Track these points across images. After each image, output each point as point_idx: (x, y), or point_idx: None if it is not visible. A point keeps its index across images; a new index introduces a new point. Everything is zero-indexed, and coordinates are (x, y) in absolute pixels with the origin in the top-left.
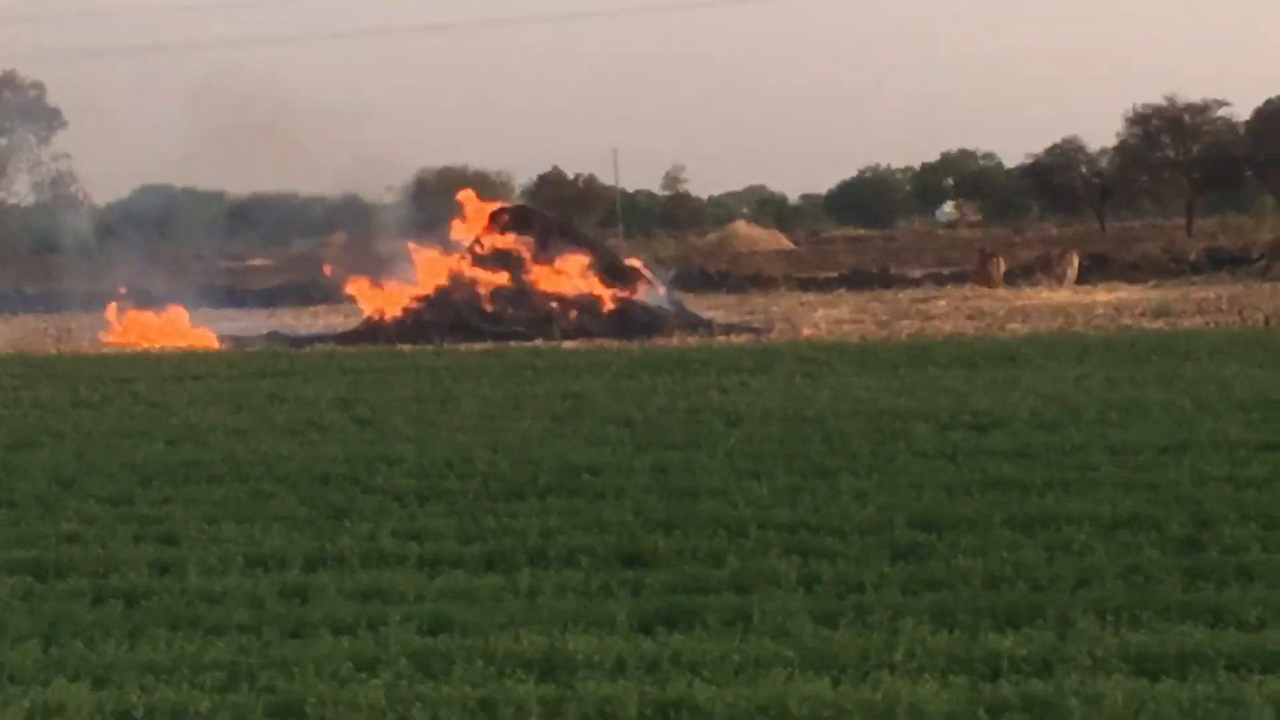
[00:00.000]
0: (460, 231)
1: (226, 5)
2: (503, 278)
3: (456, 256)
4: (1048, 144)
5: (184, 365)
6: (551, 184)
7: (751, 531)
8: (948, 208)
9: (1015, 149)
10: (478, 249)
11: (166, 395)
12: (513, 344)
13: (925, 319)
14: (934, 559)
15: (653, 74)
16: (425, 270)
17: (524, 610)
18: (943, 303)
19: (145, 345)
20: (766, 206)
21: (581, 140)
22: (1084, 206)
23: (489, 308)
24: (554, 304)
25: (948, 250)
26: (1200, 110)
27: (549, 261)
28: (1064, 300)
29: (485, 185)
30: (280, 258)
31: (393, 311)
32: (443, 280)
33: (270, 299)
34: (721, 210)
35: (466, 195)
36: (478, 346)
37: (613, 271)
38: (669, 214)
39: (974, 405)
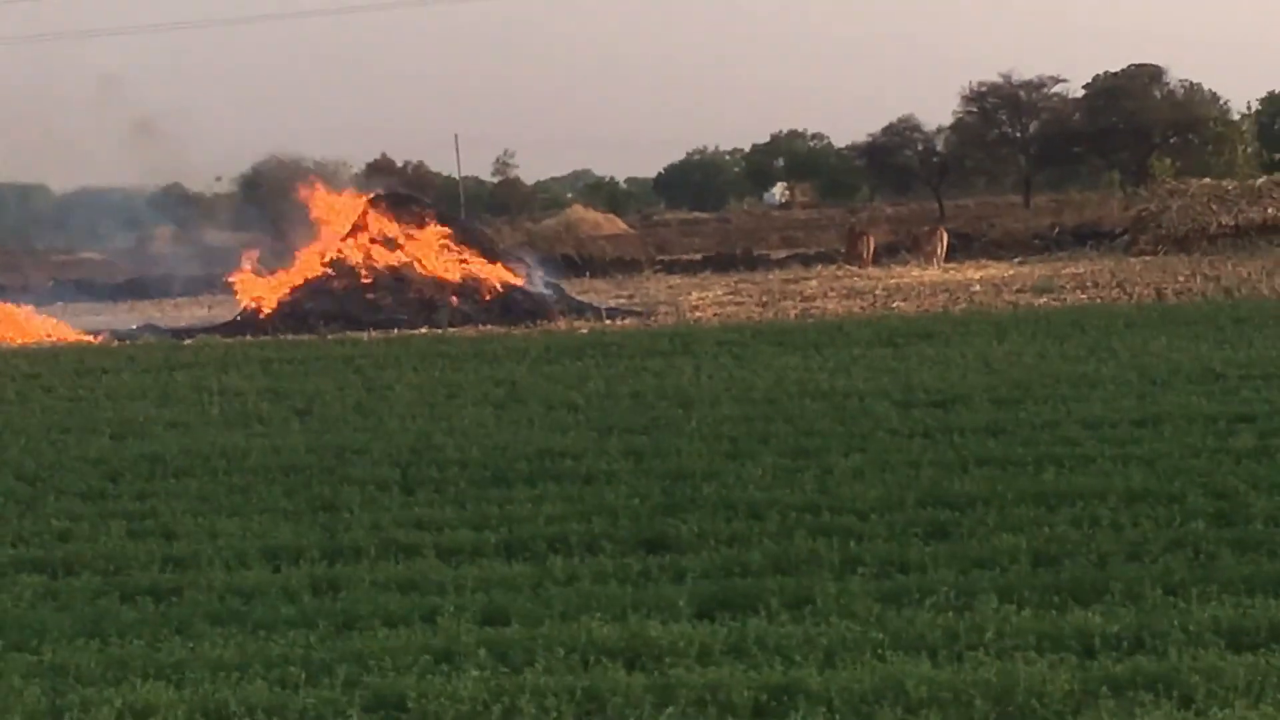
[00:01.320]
0: (325, 219)
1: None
2: (382, 265)
3: (331, 244)
4: (881, 124)
5: (87, 358)
6: (382, 171)
7: (770, 514)
8: (777, 189)
9: (845, 130)
10: (355, 236)
11: (84, 389)
12: (396, 332)
13: (804, 299)
14: (972, 538)
15: (471, 59)
16: (302, 260)
17: (575, 598)
18: (814, 283)
19: (8, 339)
20: (595, 191)
21: (407, 128)
22: (920, 185)
23: (370, 296)
24: (437, 291)
25: (788, 230)
26: (1036, 87)
27: (428, 249)
28: (936, 278)
29: (322, 174)
30: (109, 252)
31: (271, 301)
32: (320, 269)
33: (118, 293)
34: (547, 195)
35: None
36: (366, 335)
37: (491, 257)
38: (499, 199)
39: (922, 382)
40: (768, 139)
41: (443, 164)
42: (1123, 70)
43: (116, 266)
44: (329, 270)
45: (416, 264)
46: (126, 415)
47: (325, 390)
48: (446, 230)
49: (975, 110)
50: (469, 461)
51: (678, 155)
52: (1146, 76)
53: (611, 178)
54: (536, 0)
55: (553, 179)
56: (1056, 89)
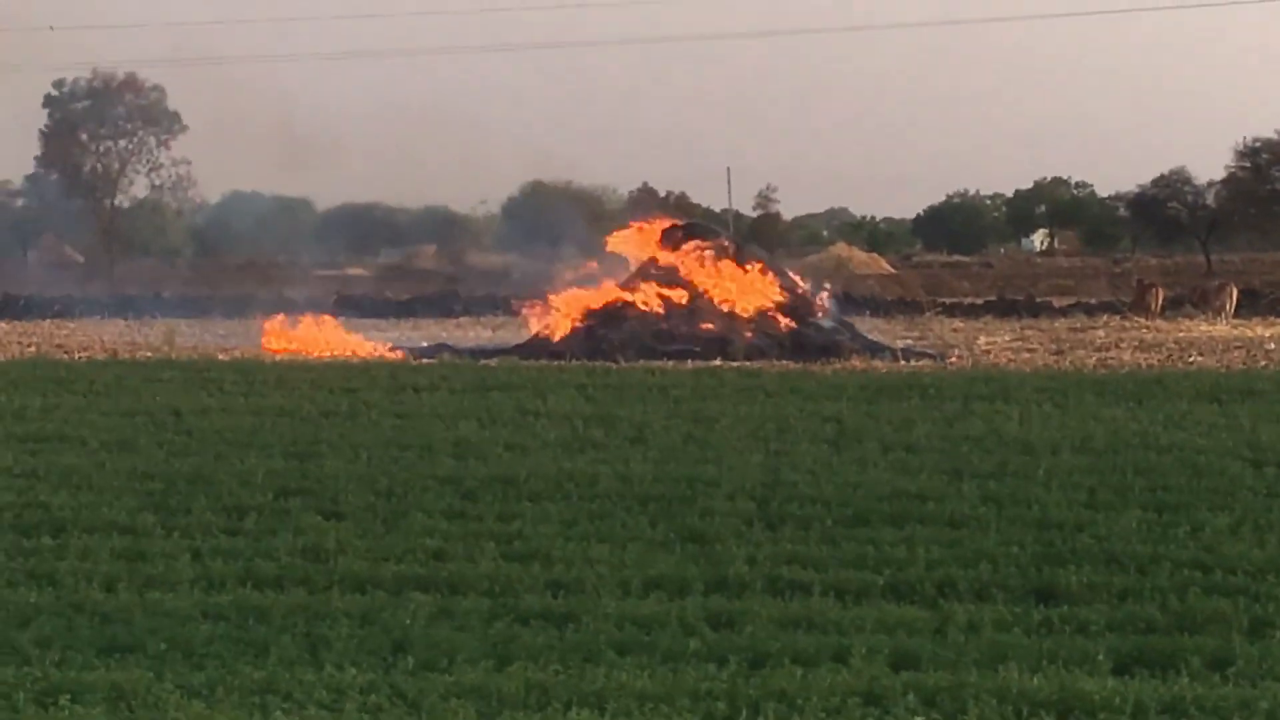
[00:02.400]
0: (625, 247)
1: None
2: (678, 295)
3: (629, 273)
4: (1146, 174)
5: (399, 375)
6: (644, 202)
7: (1156, 569)
8: (1038, 236)
9: (1109, 179)
10: (651, 267)
11: (404, 406)
12: (691, 363)
13: (1096, 349)
14: None
15: (734, 97)
16: (599, 287)
17: (985, 646)
18: (1101, 333)
19: (311, 353)
20: (854, 229)
21: (668, 159)
22: (1187, 237)
23: (664, 326)
24: (730, 324)
25: (1052, 278)
26: None
27: (723, 280)
28: (1226, 334)
29: (586, 200)
30: (370, 267)
31: (563, 327)
32: (617, 296)
33: (399, 310)
34: (805, 231)
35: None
36: (659, 365)
37: (788, 292)
38: (758, 233)
39: (1270, 441)
40: (1030, 185)
41: (702, 195)
42: None
43: (385, 283)
44: (624, 298)
45: (710, 296)
46: (461, 435)
47: (652, 419)
48: (744, 263)
49: (1248, 165)
50: (826, 499)
51: (937, 197)
52: None
53: (871, 216)
54: (796, 39)
55: (810, 215)
56: None
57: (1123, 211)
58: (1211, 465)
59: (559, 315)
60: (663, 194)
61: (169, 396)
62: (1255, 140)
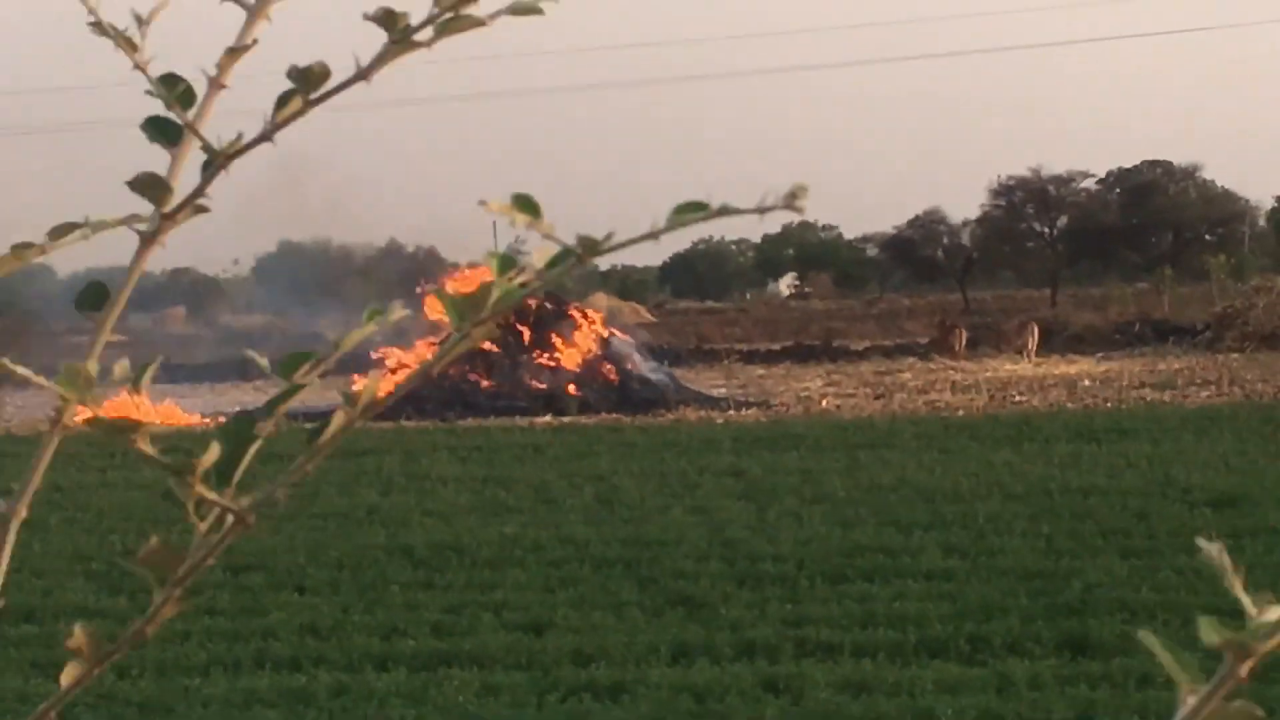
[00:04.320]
0: (435, 307)
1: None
2: (501, 351)
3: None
4: (891, 216)
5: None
6: (394, 256)
7: (1177, 614)
8: (785, 280)
9: (856, 222)
10: None
11: (321, 475)
12: (522, 420)
13: (917, 392)
14: None
15: (468, 151)
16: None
17: (1054, 701)
18: (907, 375)
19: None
20: (600, 279)
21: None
22: (945, 277)
23: (485, 383)
24: (553, 379)
25: (812, 321)
26: (1065, 181)
27: (543, 335)
28: (1031, 372)
29: (338, 257)
30: (124, 332)
31: (385, 386)
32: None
33: (192, 376)
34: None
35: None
36: (503, 422)
37: (610, 345)
38: None
39: (1190, 481)
40: (778, 229)
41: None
42: (1149, 164)
43: (146, 348)
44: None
45: (531, 352)
46: (368, 501)
47: (547, 478)
48: (561, 318)
49: (1002, 204)
50: (786, 556)
51: (683, 245)
52: (1179, 172)
53: (619, 265)
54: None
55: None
56: (1085, 184)
57: (873, 252)
58: (1152, 507)
59: (376, 375)
60: (410, 249)
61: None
62: (1009, 179)
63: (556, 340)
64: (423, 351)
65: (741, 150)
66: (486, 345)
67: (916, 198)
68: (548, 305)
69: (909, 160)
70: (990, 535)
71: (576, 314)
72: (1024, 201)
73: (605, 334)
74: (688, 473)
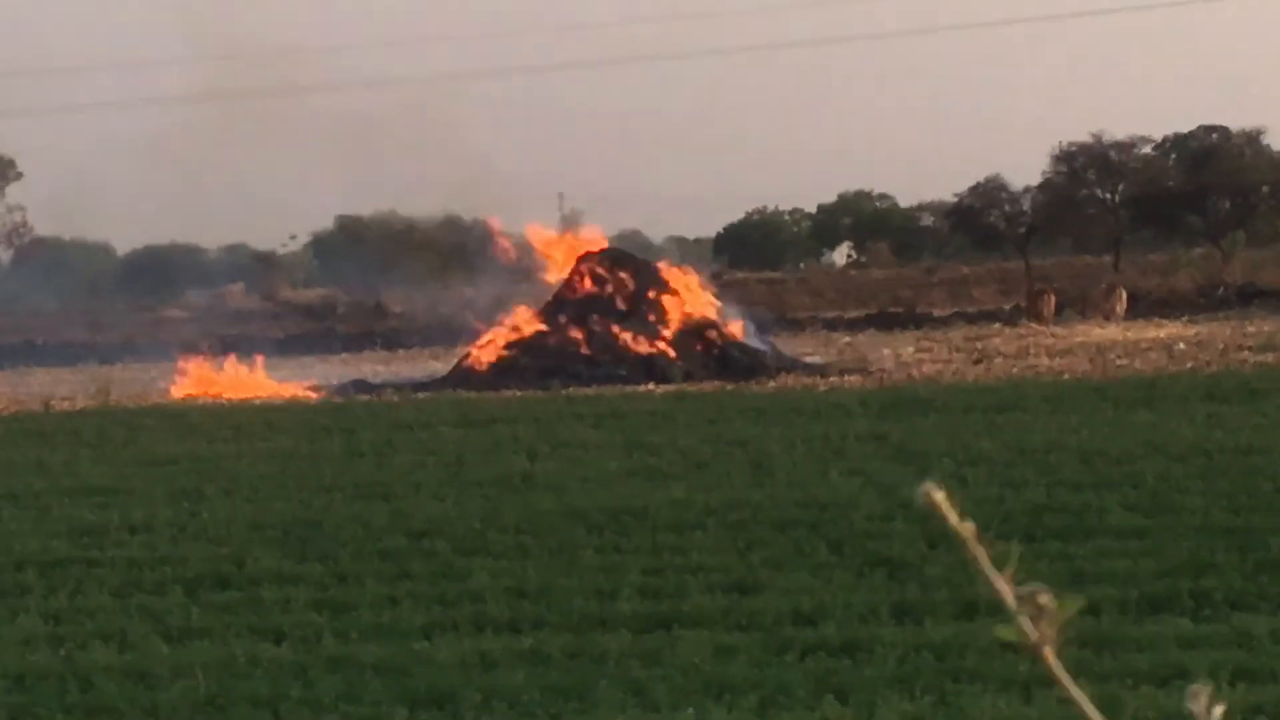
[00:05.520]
0: (547, 273)
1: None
2: (599, 320)
3: (547, 300)
4: (945, 185)
5: (382, 415)
6: (449, 228)
7: None
8: (840, 250)
9: (913, 190)
10: (569, 292)
11: (428, 443)
12: (625, 388)
13: (1011, 358)
14: None
15: (523, 122)
16: (517, 314)
17: None
18: (997, 340)
19: (234, 396)
20: (658, 252)
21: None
22: (1005, 245)
23: (587, 352)
24: (654, 347)
25: (872, 290)
26: (1126, 147)
27: (643, 303)
28: (1121, 336)
29: (399, 230)
30: (185, 308)
31: (486, 356)
32: (537, 324)
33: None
34: None
35: (544, 235)
36: (620, 390)
37: (708, 313)
38: None
39: None
40: (834, 199)
41: (510, 221)
42: (1205, 129)
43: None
44: (544, 326)
45: (634, 320)
46: (523, 469)
47: (685, 442)
48: (662, 287)
49: (1064, 170)
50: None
51: (736, 215)
52: (1238, 137)
53: (681, 237)
54: (592, 69)
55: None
56: (1147, 149)
57: (928, 220)
58: None
59: (481, 346)
60: (468, 220)
61: (173, 445)
62: (1071, 145)
63: (659, 308)
64: (520, 323)
65: (800, 121)
66: (593, 316)
67: (973, 166)
68: (648, 274)
69: (965, 128)
70: (1167, 494)
71: (676, 283)
72: (1085, 167)
73: (705, 303)
74: (830, 437)
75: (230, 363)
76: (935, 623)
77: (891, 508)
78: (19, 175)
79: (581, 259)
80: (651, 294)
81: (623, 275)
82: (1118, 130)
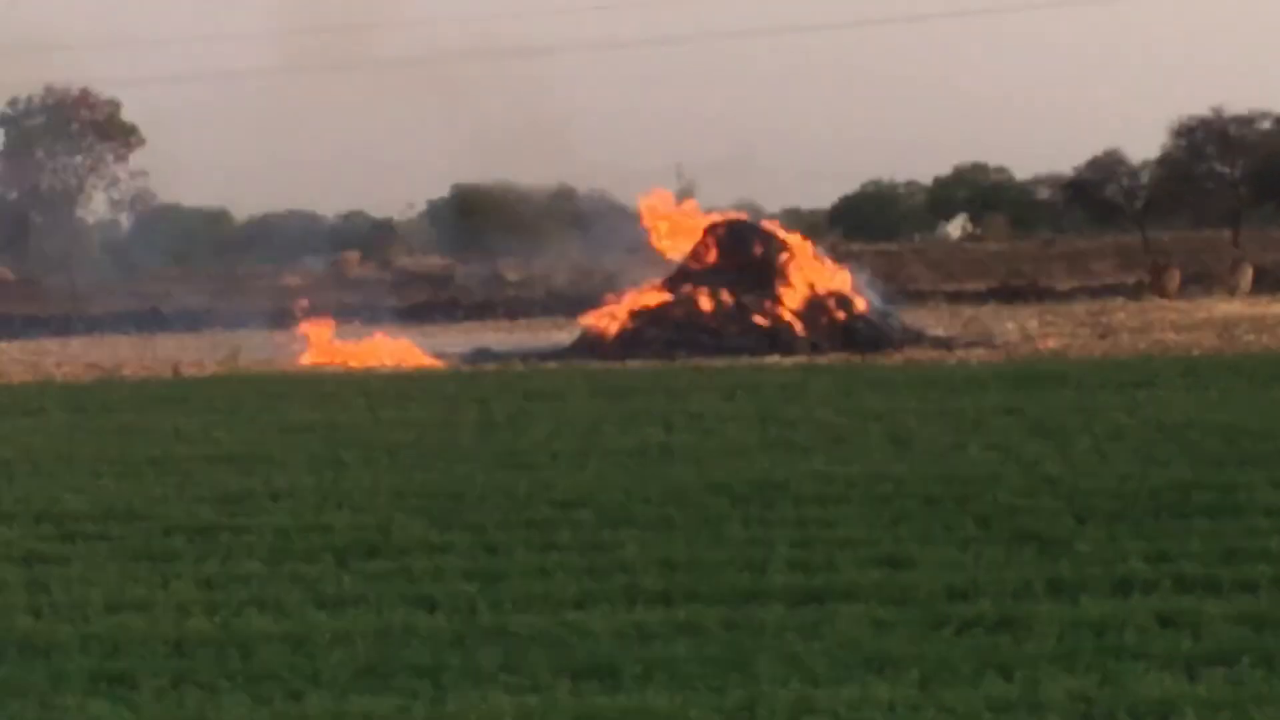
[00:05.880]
0: (665, 244)
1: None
2: (725, 291)
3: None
4: (1058, 158)
5: (513, 383)
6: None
7: None
8: (956, 222)
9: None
10: (695, 263)
11: (564, 412)
12: (746, 359)
13: (1136, 331)
14: None
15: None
16: (639, 286)
17: None
18: (1121, 314)
19: (359, 364)
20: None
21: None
22: (1122, 219)
23: (712, 322)
24: (778, 319)
25: (987, 263)
26: (1246, 121)
27: (768, 274)
28: (1249, 311)
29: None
30: (303, 275)
31: (612, 327)
32: (662, 295)
33: (408, 317)
34: None
35: (663, 208)
36: (718, 362)
37: (833, 285)
38: None
39: None
40: (950, 171)
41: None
42: None
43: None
44: (670, 297)
45: (759, 291)
46: (660, 440)
47: (821, 415)
48: (786, 258)
49: (1183, 144)
50: (1109, 492)
51: (851, 187)
52: None
53: (795, 208)
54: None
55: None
56: (1267, 124)
57: (1044, 194)
58: None
59: (605, 316)
60: (583, 190)
61: (307, 412)
62: (1190, 119)
63: (785, 279)
64: (645, 293)
65: (917, 96)
66: (715, 288)
67: (1090, 139)
68: (773, 245)
69: (1083, 102)
70: None
71: (801, 254)
72: (1204, 142)
73: (829, 275)
74: (965, 410)
75: (355, 330)
76: (1091, 599)
77: (1035, 483)
78: (142, 142)
79: (708, 230)
80: (777, 265)
81: (748, 246)
82: (1237, 104)
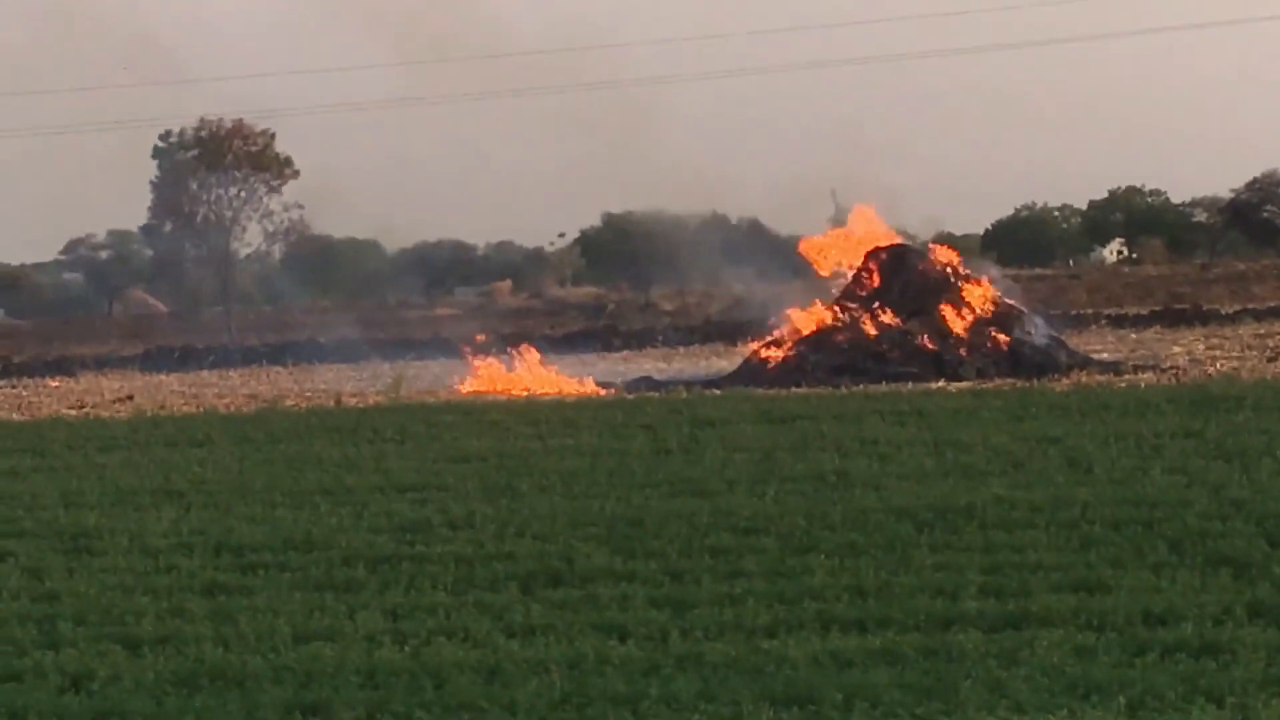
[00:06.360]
0: (826, 269)
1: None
2: (888, 317)
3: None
4: (1215, 181)
5: (682, 410)
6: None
7: None
8: (1111, 246)
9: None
10: (857, 288)
11: (739, 439)
12: (910, 385)
13: None
14: None
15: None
16: (800, 312)
17: None
18: None
19: (520, 392)
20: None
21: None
22: None
23: (877, 349)
24: (943, 344)
25: (1146, 286)
26: None
27: (932, 300)
28: None
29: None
30: (456, 305)
31: (775, 354)
32: (824, 320)
33: (562, 345)
34: None
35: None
36: (884, 388)
37: (998, 309)
38: None
39: None
40: (1104, 194)
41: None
42: None
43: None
44: (833, 323)
45: (924, 317)
46: (836, 466)
47: (997, 440)
48: (948, 281)
49: None
50: None
51: (1005, 211)
52: None
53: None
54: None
55: None
56: None
57: (1200, 216)
58: None
59: (767, 343)
60: (734, 220)
61: (476, 441)
62: None
63: (948, 306)
64: (807, 320)
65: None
66: (881, 313)
67: (1247, 161)
68: (935, 270)
69: (1239, 123)
70: None
71: (962, 278)
72: None
73: (994, 299)
74: (1143, 434)
75: (518, 359)
76: None
77: (1223, 507)
78: (296, 173)
79: (870, 254)
80: (941, 290)
81: (912, 271)
82: None
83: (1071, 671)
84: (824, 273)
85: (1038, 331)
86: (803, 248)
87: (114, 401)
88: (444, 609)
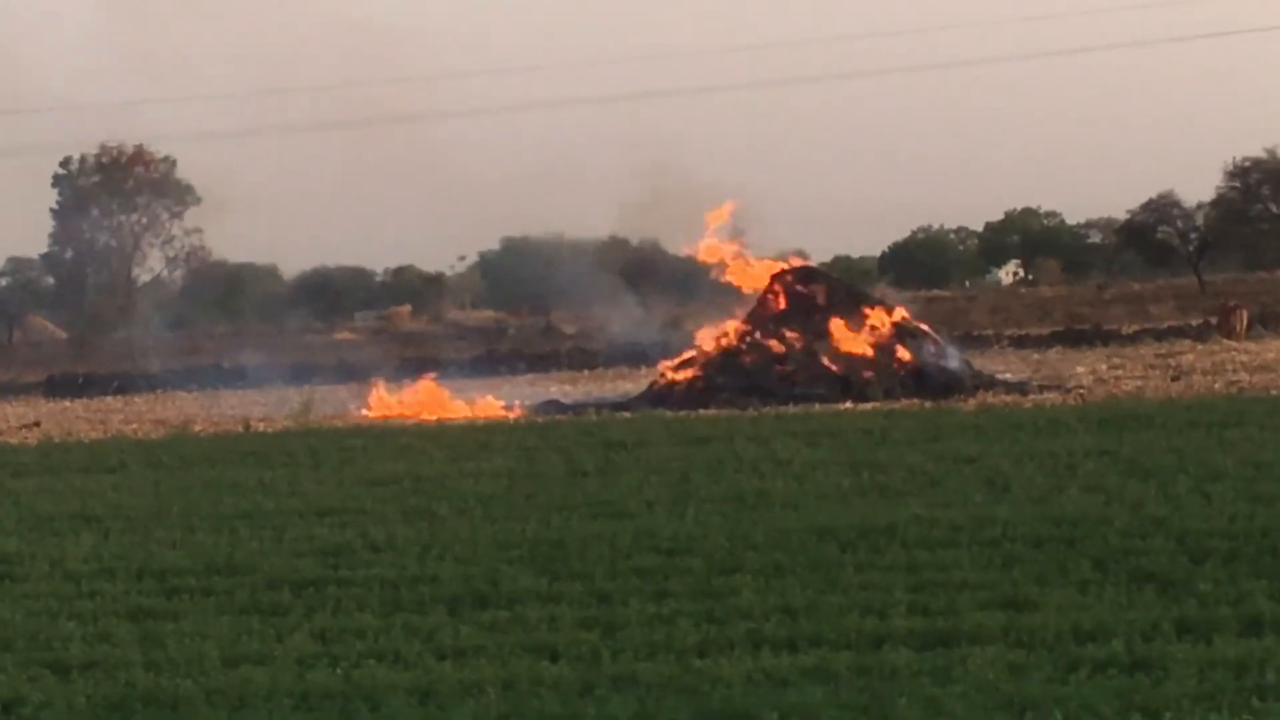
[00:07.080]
0: (738, 282)
1: None
2: (795, 339)
3: (739, 319)
4: (1110, 202)
5: (594, 432)
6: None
7: None
8: (1007, 267)
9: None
10: (763, 310)
11: (658, 459)
12: (818, 407)
13: (1208, 374)
14: None
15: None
16: (705, 334)
17: None
18: (1189, 356)
19: (430, 417)
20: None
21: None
22: (1176, 262)
23: (783, 370)
24: (849, 366)
25: (1066, 307)
26: None
27: (838, 321)
28: None
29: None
30: (356, 330)
31: (682, 376)
32: (730, 343)
33: (466, 369)
34: None
35: (735, 259)
36: (792, 409)
37: (903, 330)
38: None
39: None
40: (1001, 216)
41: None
42: None
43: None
44: (740, 345)
45: (829, 339)
46: (758, 486)
47: (912, 460)
48: (854, 304)
49: (1238, 185)
50: (1237, 534)
51: (902, 233)
52: None
53: (845, 255)
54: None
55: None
56: None
57: (1096, 238)
58: None
59: (674, 365)
60: (635, 242)
61: (390, 464)
62: (1245, 160)
63: (853, 327)
64: (713, 342)
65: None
66: (788, 334)
67: (1141, 182)
68: (841, 292)
69: (1134, 145)
70: None
71: (865, 300)
72: (1260, 183)
73: (899, 320)
74: (1058, 453)
75: (422, 384)
76: (1224, 640)
77: (1144, 524)
78: (198, 200)
79: (775, 277)
80: (845, 311)
81: (815, 293)
82: None
83: (1006, 689)
84: (739, 281)
85: (942, 352)
86: (702, 255)
87: (20, 428)
88: (373, 632)
